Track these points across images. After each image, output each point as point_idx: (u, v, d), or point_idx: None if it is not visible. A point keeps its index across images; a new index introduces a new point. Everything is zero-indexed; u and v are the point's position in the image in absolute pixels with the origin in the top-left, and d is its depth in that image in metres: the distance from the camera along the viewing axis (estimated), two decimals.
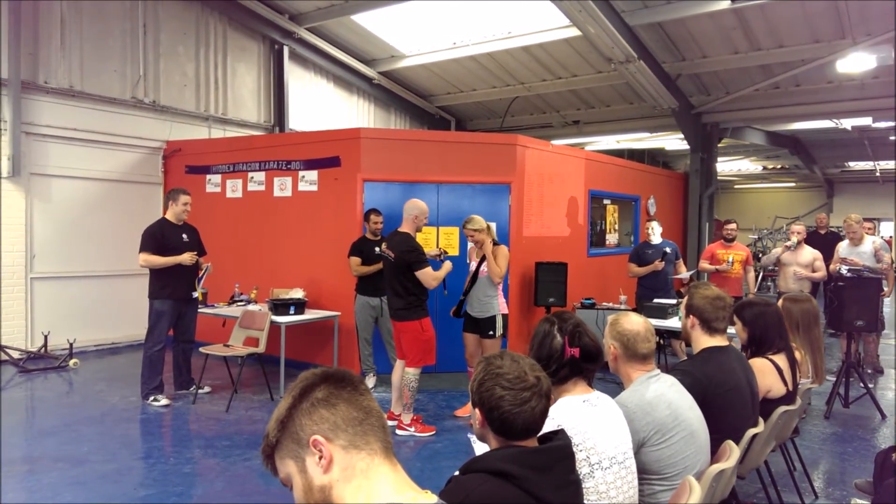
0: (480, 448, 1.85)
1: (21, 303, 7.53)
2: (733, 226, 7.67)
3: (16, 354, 7.31)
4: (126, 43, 8.46)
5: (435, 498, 1.17)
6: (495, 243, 5.60)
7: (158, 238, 5.85)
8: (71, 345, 7.35)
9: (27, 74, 7.48)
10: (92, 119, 8.09)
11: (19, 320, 7.52)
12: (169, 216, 6.05)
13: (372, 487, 1.14)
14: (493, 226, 5.80)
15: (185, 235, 6.03)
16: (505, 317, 5.61)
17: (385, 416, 1.24)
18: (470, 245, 5.81)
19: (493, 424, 1.64)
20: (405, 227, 5.20)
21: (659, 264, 7.13)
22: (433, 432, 5.24)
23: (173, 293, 5.91)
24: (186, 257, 5.85)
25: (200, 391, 6.20)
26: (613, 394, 2.30)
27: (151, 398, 5.89)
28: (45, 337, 7.43)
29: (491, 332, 5.48)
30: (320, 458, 1.14)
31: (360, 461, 1.15)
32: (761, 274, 8.82)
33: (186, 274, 5.99)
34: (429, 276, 5.04)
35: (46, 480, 4.12)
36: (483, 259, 5.52)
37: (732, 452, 2.48)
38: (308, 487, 1.15)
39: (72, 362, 7.20)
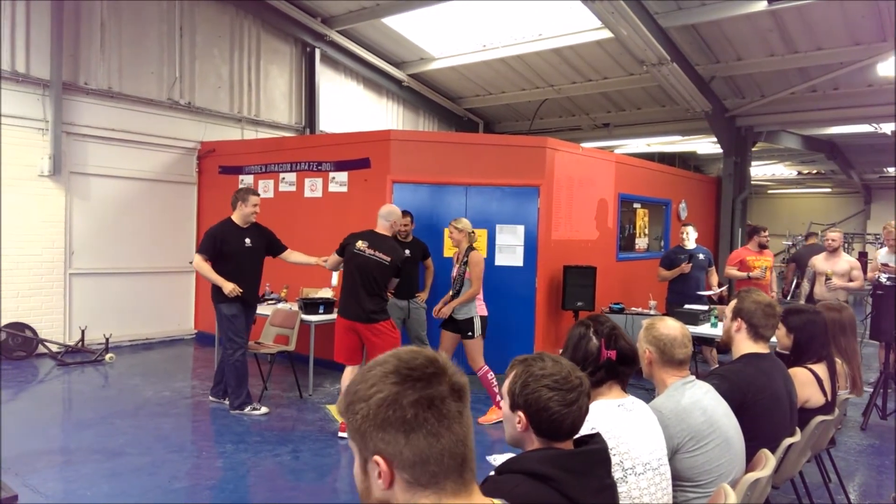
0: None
1: (60, 298, 7.72)
2: (767, 233, 7.56)
3: (54, 348, 7.51)
4: (163, 45, 8.64)
5: None
6: (471, 248, 5.64)
7: (218, 242, 5.49)
8: (107, 340, 7.53)
9: (68, 76, 7.68)
10: (129, 119, 8.27)
11: (58, 315, 7.72)
12: (235, 217, 5.66)
13: None
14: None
15: (248, 240, 5.64)
16: (484, 318, 5.67)
17: (471, 444, 1.08)
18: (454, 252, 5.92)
19: (540, 426, 1.63)
20: (386, 231, 5.28)
21: (686, 266, 7.04)
22: None
23: (239, 295, 5.49)
24: (228, 288, 5.37)
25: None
26: (642, 400, 2.28)
27: (248, 408, 5.58)
28: (83, 331, 7.62)
29: (470, 333, 5.55)
30: (380, 475, 1.03)
31: (425, 498, 1.03)
32: (795, 281, 8.65)
33: (248, 281, 5.60)
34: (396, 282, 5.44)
35: (83, 471, 4.23)
36: (465, 264, 5.57)
37: (768, 461, 2.44)
38: (367, 489, 1.07)
39: (108, 357, 7.37)
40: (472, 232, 5.68)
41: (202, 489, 4.06)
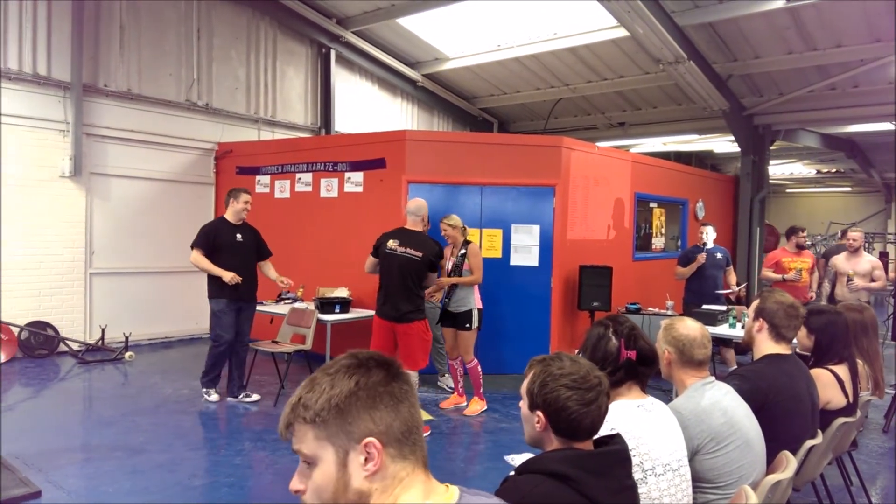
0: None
1: (80, 297, 7.83)
2: (806, 233, 7.45)
3: (75, 346, 7.62)
4: (181, 47, 8.73)
5: (456, 493, 1.15)
6: (467, 242, 5.85)
7: (211, 237, 5.79)
8: (127, 338, 7.62)
9: (88, 78, 7.78)
10: (148, 121, 8.37)
11: (79, 314, 7.82)
12: (228, 215, 5.98)
13: (405, 497, 1.10)
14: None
15: (239, 235, 5.91)
16: (480, 311, 5.83)
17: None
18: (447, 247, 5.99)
19: (559, 425, 1.64)
20: (417, 227, 5.28)
21: (701, 257, 6.96)
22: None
23: (225, 293, 5.76)
24: (228, 277, 5.65)
25: (248, 399, 5.99)
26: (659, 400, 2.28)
27: (204, 390, 6.00)
28: (103, 330, 7.71)
29: (467, 325, 5.72)
30: (366, 461, 1.07)
31: (402, 471, 1.10)
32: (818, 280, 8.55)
33: (243, 272, 5.79)
34: (434, 278, 5.38)
35: (105, 468, 4.28)
36: (462, 256, 5.78)
37: (789, 463, 2.42)
38: (343, 485, 1.08)
39: (127, 355, 7.46)
40: (464, 227, 5.91)
41: (221, 486, 4.10)
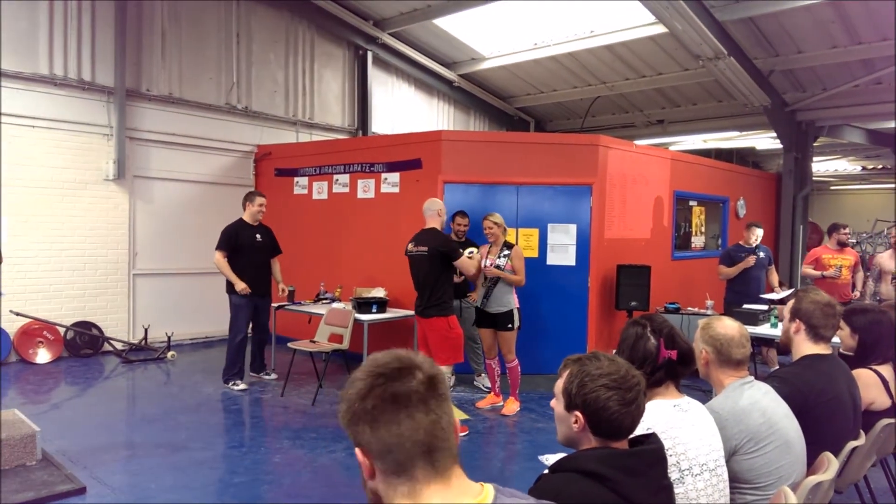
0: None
1: (124, 297, 8.05)
2: (848, 230, 7.25)
3: (119, 346, 7.84)
4: (221, 52, 8.92)
5: (491, 492, 1.15)
6: (508, 245, 5.76)
7: (233, 238, 6.34)
8: (169, 338, 7.82)
9: (131, 83, 8.00)
10: (189, 124, 8.57)
11: (122, 314, 8.05)
12: (245, 217, 6.53)
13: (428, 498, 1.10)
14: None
15: (258, 235, 6.51)
16: (518, 311, 5.80)
17: (440, 432, 1.12)
18: (480, 251, 5.88)
19: (599, 426, 1.62)
20: (434, 223, 5.33)
21: (751, 259, 6.84)
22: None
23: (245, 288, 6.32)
24: (241, 287, 6.25)
25: (267, 377, 6.76)
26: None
27: (231, 383, 6.42)
28: (146, 330, 7.93)
29: (509, 326, 5.70)
30: (360, 465, 1.14)
31: (402, 485, 1.10)
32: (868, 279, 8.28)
33: (259, 272, 6.45)
34: (468, 264, 5.30)
35: (148, 465, 4.40)
36: (500, 255, 5.70)
37: (831, 464, 2.36)
38: (364, 478, 1.16)
39: (169, 354, 7.65)
40: (504, 227, 5.89)
41: (261, 483, 4.18)
